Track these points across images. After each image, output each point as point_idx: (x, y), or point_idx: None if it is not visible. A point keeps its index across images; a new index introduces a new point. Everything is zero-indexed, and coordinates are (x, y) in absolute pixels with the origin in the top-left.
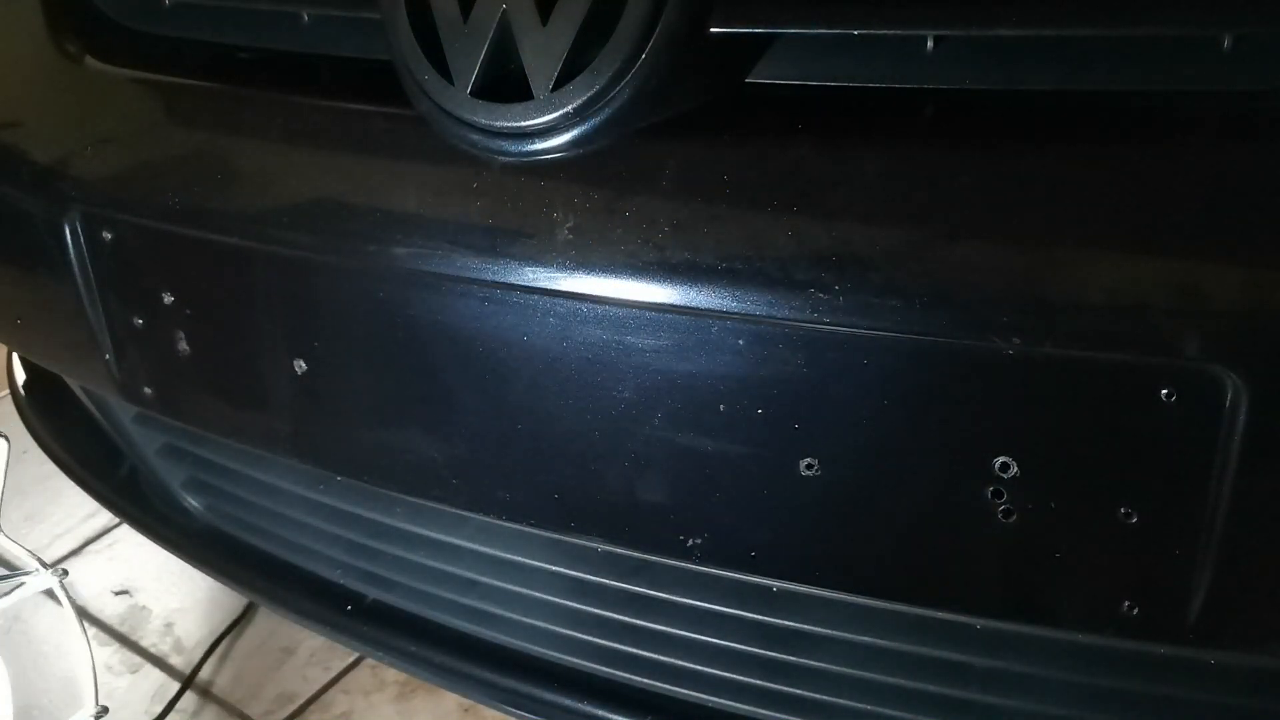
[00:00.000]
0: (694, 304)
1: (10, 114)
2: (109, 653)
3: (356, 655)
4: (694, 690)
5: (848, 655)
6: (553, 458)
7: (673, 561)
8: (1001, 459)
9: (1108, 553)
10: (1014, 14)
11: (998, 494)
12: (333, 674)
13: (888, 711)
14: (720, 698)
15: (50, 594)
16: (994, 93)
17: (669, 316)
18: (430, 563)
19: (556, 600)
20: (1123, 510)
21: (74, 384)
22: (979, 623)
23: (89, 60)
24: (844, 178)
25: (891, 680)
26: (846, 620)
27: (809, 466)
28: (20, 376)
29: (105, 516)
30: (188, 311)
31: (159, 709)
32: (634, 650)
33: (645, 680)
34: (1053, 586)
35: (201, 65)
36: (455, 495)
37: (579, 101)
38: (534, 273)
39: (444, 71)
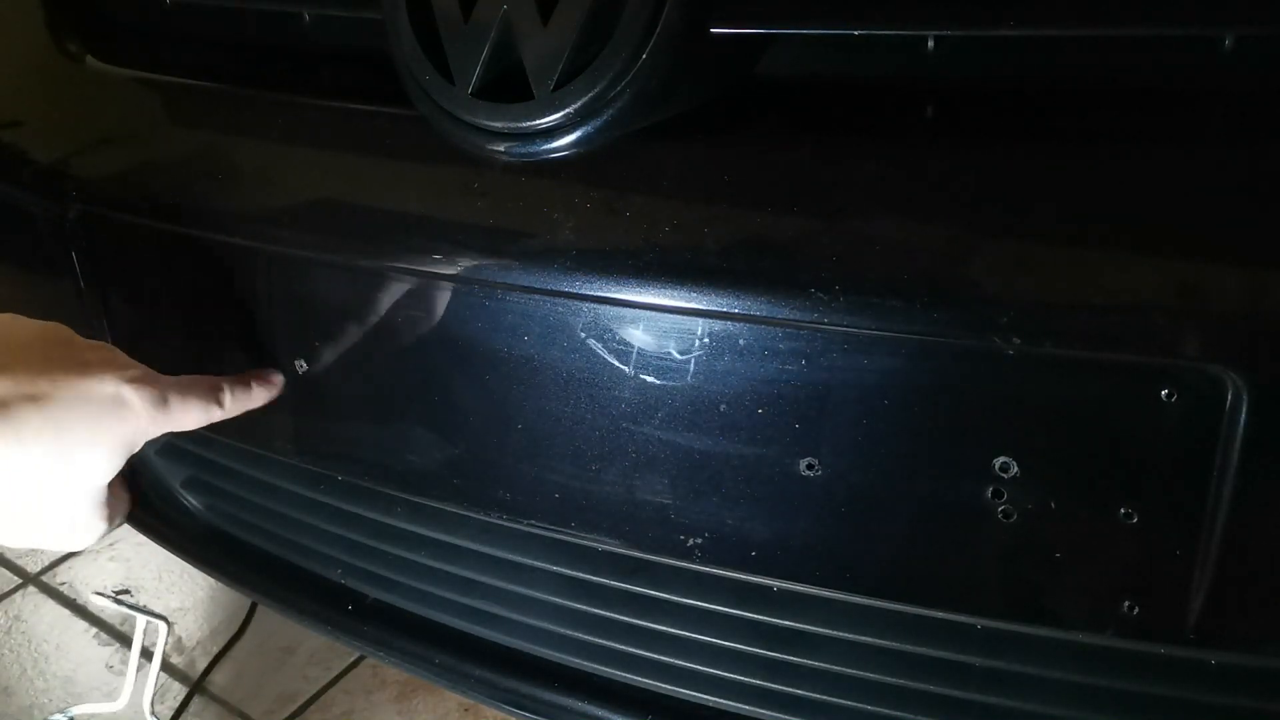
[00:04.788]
0: (695, 304)
1: (11, 113)
2: (109, 652)
3: (357, 655)
4: (694, 690)
5: (848, 655)
6: (554, 457)
7: (673, 561)
8: (1001, 459)
9: (1108, 553)
10: (1014, 14)
11: (998, 494)
12: (333, 674)
13: (888, 711)
14: (720, 698)
15: (51, 594)
16: (994, 92)
17: (670, 317)
18: (431, 563)
19: (556, 600)
20: (1123, 510)
21: None
22: (979, 623)
23: (90, 60)
24: (844, 177)
25: (891, 680)
26: (846, 620)
27: (809, 467)
28: None
29: None
30: (188, 311)
31: (160, 708)
32: (634, 650)
33: (645, 680)
34: (1053, 587)
35: (202, 65)
36: (456, 494)
37: (580, 102)
38: (535, 273)
39: (445, 72)
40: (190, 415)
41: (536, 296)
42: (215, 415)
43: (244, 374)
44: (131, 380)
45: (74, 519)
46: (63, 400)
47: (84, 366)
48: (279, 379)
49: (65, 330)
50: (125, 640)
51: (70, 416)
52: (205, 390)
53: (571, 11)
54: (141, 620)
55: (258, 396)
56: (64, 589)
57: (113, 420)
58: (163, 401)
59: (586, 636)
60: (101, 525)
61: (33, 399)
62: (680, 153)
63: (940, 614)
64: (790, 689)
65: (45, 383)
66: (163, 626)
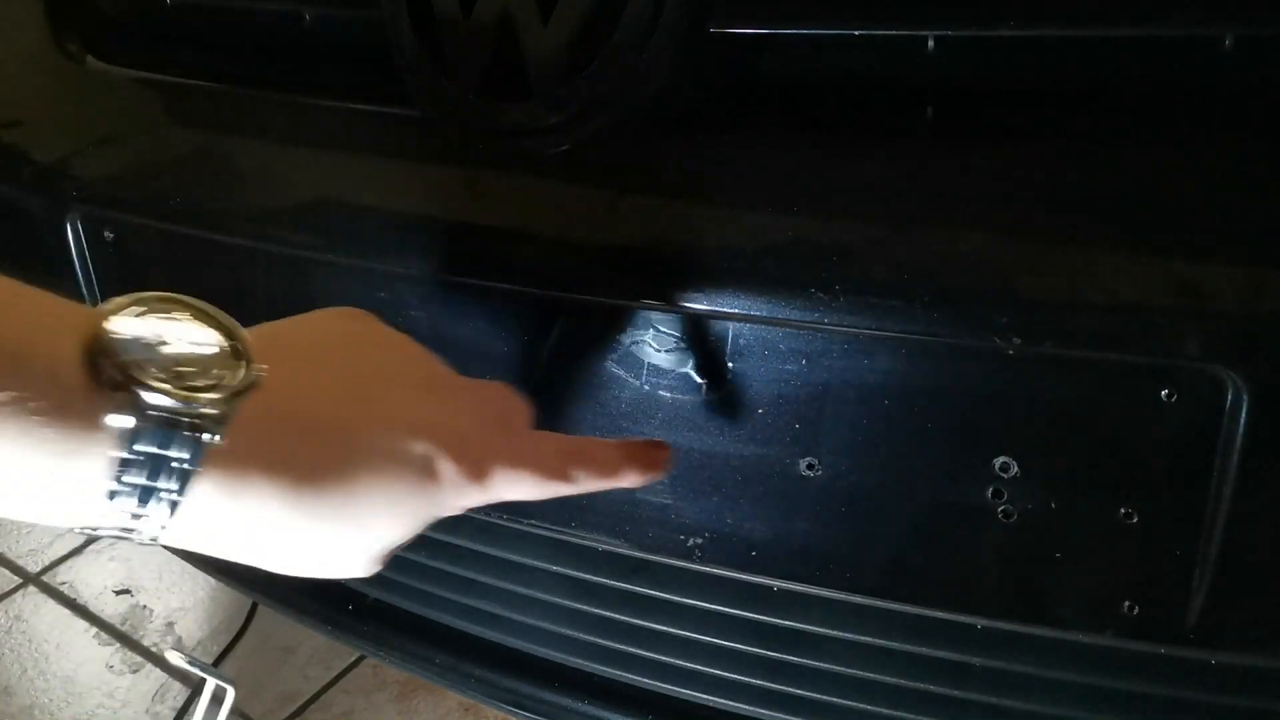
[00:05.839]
0: (695, 304)
1: (11, 113)
2: (110, 652)
3: (357, 655)
4: (694, 690)
5: (848, 655)
6: None
7: (673, 561)
8: (1002, 459)
9: (1108, 553)
10: (1014, 14)
11: (998, 494)
12: (334, 673)
13: (888, 711)
14: (720, 698)
15: (52, 593)
16: (995, 92)
17: (669, 317)
18: (430, 563)
19: (557, 600)
20: (1123, 510)
21: None
22: (979, 623)
23: (90, 60)
24: (845, 177)
25: (891, 680)
26: (846, 620)
27: (809, 466)
28: None
29: None
30: None
31: (160, 708)
32: (634, 650)
33: (645, 680)
34: (1053, 587)
35: (203, 65)
36: None
37: (580, 101)
38: (535, 273)
39: (445, 70)
40: (517, 491)
41: (536, 296)
42: (558, 492)
43: (623, 443)
44: (449, 445)
45: (344, 569)
46: (360, 469)
47: (397, 412)
48: (668, 456)
49: (394, 342)
50: (127, 640)
51: (365, 489)
52: (552, 460)
53: (572, 10)
54: (211, 683)
55: (629, 477)
56: (64, 589)
57: (413, 497)
58: (481, 475)
59: (586, 636)
60: (375, 568)
61: (322, 469)
62: (680, 152)
63: (940, 614)
64: (790, 689)
65: (346, 442)
66: (231, 691)
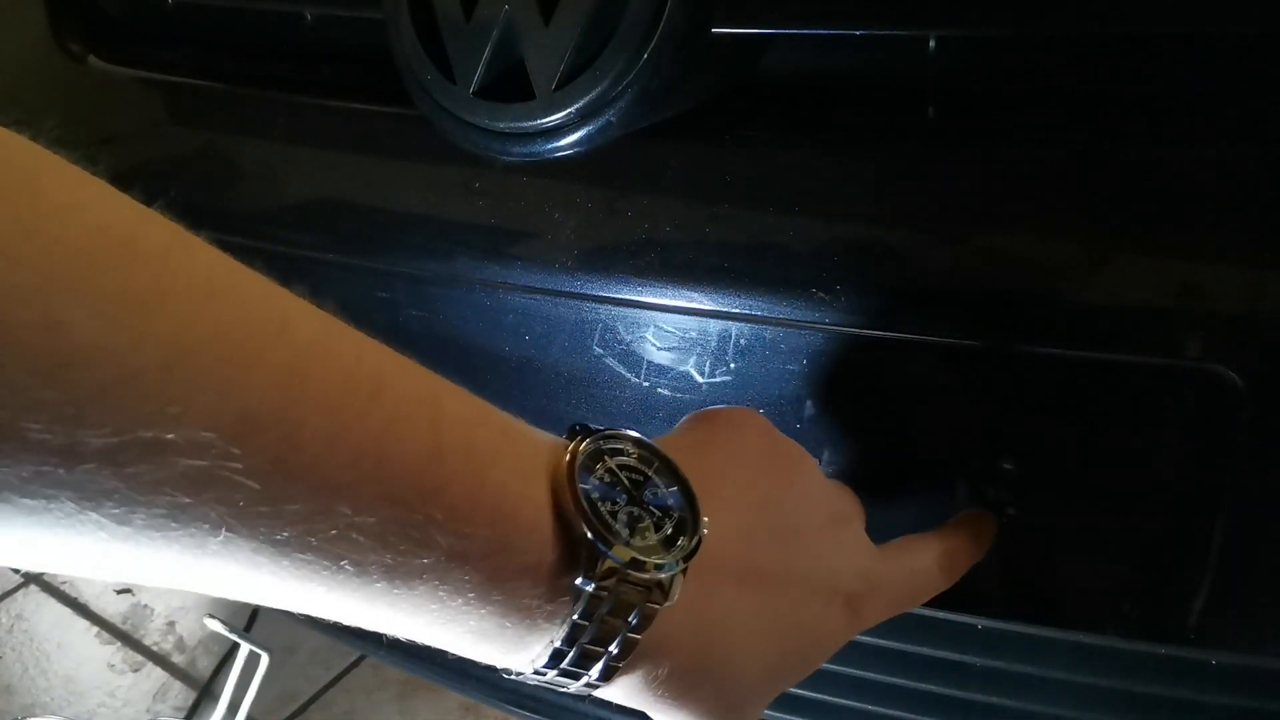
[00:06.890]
0: (696, 304)
1: (13, 114)
2: (111, 651)
3: (358, 654)
4: None
5: (848, 655)
6: None
7: None
8: (1002, 459)
9: (1108, 553)
10: (1016, 14)
11: (998, 494)
12: (334, 673)
13: (888, 711)
14: None
15: (53, 592)
16: (996, 92)
17: (671, 317)
18: None
19: None
20: (1123, 510)
21: None
22: (979, 623)
23: (92, 60)
24: (846, 177)
25: (892, 680)
26: None
27: None
28: None
29: None
30: None
31: (161, 707)
32: None
33: None
34: (1053, 586)
35: (204, 65)
36: None
37: (581, 102)
38: (536, 273)
39: (446, 71)
40: (908, 607)
41: (537, 296)
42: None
43: (974, 528)
44: (860, 592)
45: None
46: (792, 626)
47: (816, 562)
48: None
49: (792, 461)
50: (128, 639)
51: (793, 647)
52: (936, 576)
53: (573, 11)
54: (245, 648)
55: (972, 558)
56: (65, 588)
57: (826, 646)
58: (885, 614)
59: None
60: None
61: (757, 634)
62: (682, 152)
63: (940, 614)
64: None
65: (772, 599)
66: (265, 657)
